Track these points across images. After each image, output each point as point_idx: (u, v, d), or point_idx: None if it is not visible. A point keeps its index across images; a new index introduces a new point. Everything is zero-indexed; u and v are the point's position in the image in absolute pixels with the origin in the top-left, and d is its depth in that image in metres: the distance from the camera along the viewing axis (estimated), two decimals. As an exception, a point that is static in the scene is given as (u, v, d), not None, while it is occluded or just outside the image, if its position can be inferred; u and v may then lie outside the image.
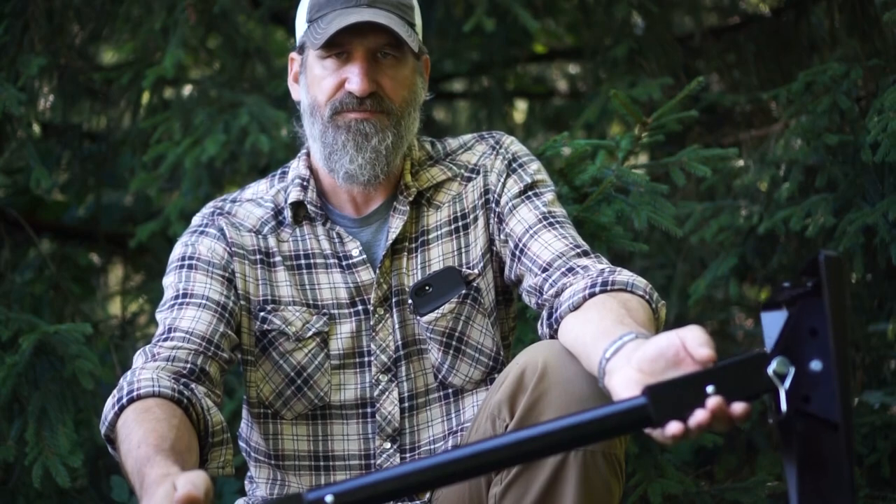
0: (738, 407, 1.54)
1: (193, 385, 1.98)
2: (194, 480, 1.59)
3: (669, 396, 1.55)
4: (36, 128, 3.77)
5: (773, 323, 1.59)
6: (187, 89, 3.85)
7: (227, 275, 2.16)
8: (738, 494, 2.94)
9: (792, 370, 1.55)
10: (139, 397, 1.90)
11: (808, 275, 1.56)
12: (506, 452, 1.60)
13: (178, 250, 2.19)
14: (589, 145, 2.72)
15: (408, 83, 2.16)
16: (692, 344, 1.61)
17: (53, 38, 3.54)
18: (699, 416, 1.54)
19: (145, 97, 3.80)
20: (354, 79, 2.10)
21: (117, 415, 1.90)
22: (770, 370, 1.55)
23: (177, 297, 2.12)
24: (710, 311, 3.99)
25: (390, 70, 2.13)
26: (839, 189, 3.07)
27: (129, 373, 1.97)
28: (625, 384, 1.64)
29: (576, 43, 4.83)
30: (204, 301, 2.11)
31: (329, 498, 1.53)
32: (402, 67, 2.15)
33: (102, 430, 1.94)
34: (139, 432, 1.81)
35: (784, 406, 1.55)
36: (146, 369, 1.97)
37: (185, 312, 2.09)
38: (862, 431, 3.15)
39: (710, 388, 1.54)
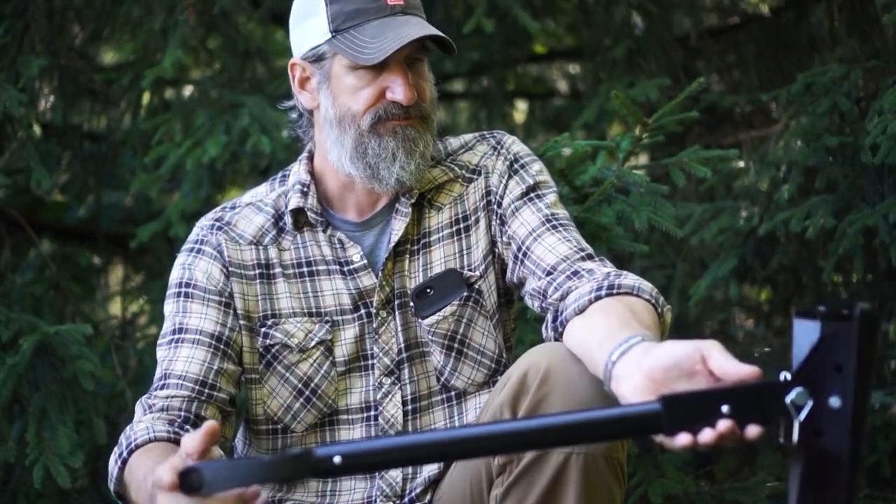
0: (751, 430, 1.54)
1: (189, 428, 2.01)
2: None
3: (684, 409, 1.54)
4: (36, 128, 3.77)
5: (803, 332, 1.56)
6: (188, 90, 3.85)
7: (224, 299, 2.15)
8: (738, 494, 2.94)
9: (810, 403, 1.53)
10: (137, 447, 1.95)
11: (843, 312, 1.52)
12: (514, 438, 1.59)
13: (175, 273, 2.19)
14: (589, 146, 2.72)
15: (430, 85, 2.16)
16: (730, 367, 1.58)
17: (54, 38, 3.54)
18: (708, 435, 1.54)
19: (146, 98, 3.79)
20: (399, 89, 2.07)
21: (121, 469, 1.95)
22: (788, 399, 1.54)
23: (174, 331, 2.13)
24: (711, 312, 3.99)
25: (421, 75, 2.13)
26: (839, 190, 3.07)
27: (127, 427, 2.01)
28: (634, 391, 1.63)
29: (576, 43, 4.83)
30: (198, 336, 2.11)
31: (337, 459, 1.53)
32: (426, 70, 2.15)
33: (112, 487, 1.98)
34: (144, 468, 1.84)
35: (796, 437, 1.54)
36: (142, 422, 2.01)
37: (180, 352, 2.10)
38: (862, 431, 3.15)
39: (725, 408, 1.54)
